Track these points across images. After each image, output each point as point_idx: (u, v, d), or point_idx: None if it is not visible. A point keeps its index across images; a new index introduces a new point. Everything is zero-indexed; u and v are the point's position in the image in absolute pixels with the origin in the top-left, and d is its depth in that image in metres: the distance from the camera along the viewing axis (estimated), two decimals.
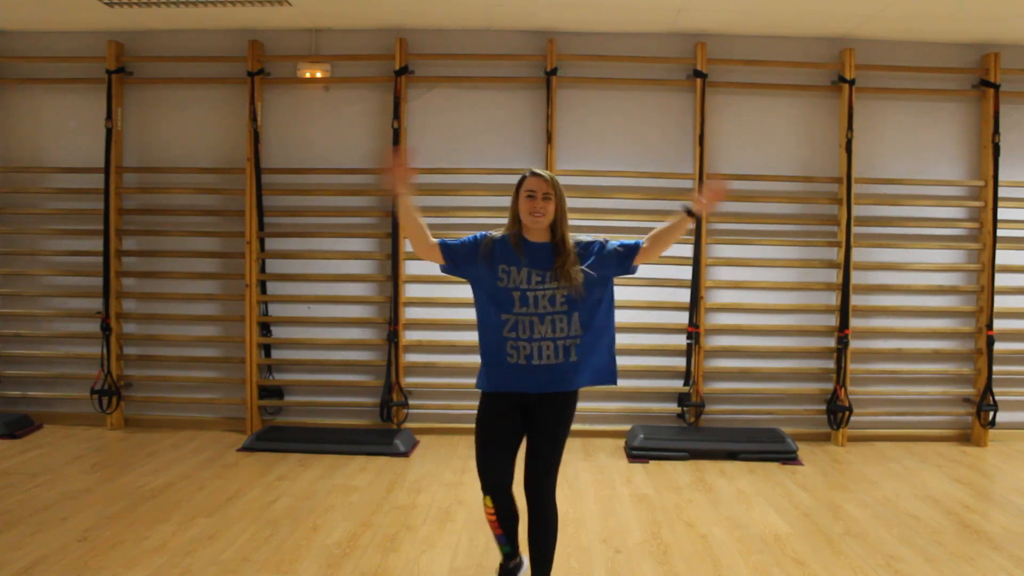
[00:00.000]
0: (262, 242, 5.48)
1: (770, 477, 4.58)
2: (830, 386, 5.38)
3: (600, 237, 2.89)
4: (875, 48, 5.36)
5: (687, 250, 5.34)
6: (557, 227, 2.79)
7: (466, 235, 2.88)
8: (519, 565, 2.97)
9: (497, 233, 2.85)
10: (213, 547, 3.39)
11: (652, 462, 4.85)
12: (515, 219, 2.82)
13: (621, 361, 5.47)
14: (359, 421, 5.49)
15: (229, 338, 5.53)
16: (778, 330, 5.47)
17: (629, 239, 2.88)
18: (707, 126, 5.35)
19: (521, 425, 2.84)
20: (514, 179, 2.84)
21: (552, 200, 2.77)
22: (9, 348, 5.61)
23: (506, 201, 2.83)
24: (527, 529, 2.86)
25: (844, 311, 5.30)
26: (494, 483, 2.81)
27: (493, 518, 2.85)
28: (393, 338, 5.32)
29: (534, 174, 2.80)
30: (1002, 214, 5.37)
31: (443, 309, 5.45)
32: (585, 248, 2.83)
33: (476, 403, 2.89)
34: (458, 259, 2.82)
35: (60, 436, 5.22)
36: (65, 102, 5.56)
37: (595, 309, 2.81)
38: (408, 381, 5.46)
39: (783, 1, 4.76)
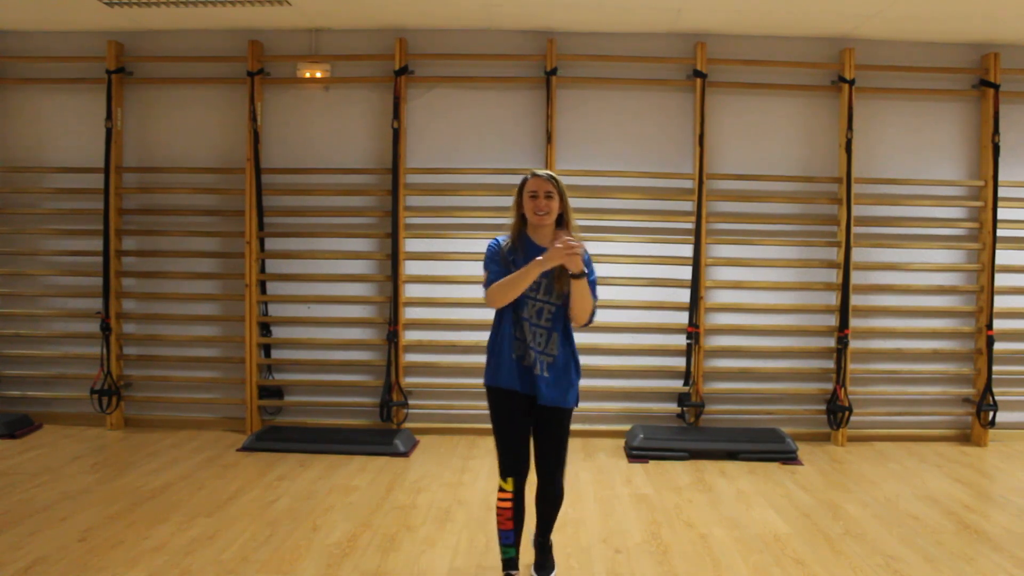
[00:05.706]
0: (262, 242, 5.48)
1: (770, 477, 4.58)
2: (830, 386, 5.38)
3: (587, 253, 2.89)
4: (875, 48, 5.36)
5: (687, 250, 5.34)
6: (565, 225, 2.87)
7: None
8: None
9: (504, 239, 2.91)
10: (213, 547, 3.39)
11: (652, 462, 4.85)
12: (519, 221, 2.90)
13: (621, 361, 5.52)
14: (359, 421, 5.49)
15: (229, 338, 5.53)
16: (778, 330, 5.47)
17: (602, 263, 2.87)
18: (707, 126, 5.35)
19: (529, 415, 2.90)
20: (514, 179, 2.84)
21: (554, 198, 2.84)
22: (9, 348, 5.61)
23: (507, 201, 2.82)
24: (535, 499, 3.00)
25: (844, 311, 5.30)
26: (515, 465, 2.86)
27: (508, 504, 2.86)
28: (393, 338, 5.32)
29: (535, 175, 2.87)
30: (1002, 214, 5.38)
31: (443, 309, 5.45)
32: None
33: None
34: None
35: (60, 436, 5.22)
36: (65, 102, 5.56)
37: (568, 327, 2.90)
38: (408, 381, 5.46)
39: (783, 1, 4.76)
